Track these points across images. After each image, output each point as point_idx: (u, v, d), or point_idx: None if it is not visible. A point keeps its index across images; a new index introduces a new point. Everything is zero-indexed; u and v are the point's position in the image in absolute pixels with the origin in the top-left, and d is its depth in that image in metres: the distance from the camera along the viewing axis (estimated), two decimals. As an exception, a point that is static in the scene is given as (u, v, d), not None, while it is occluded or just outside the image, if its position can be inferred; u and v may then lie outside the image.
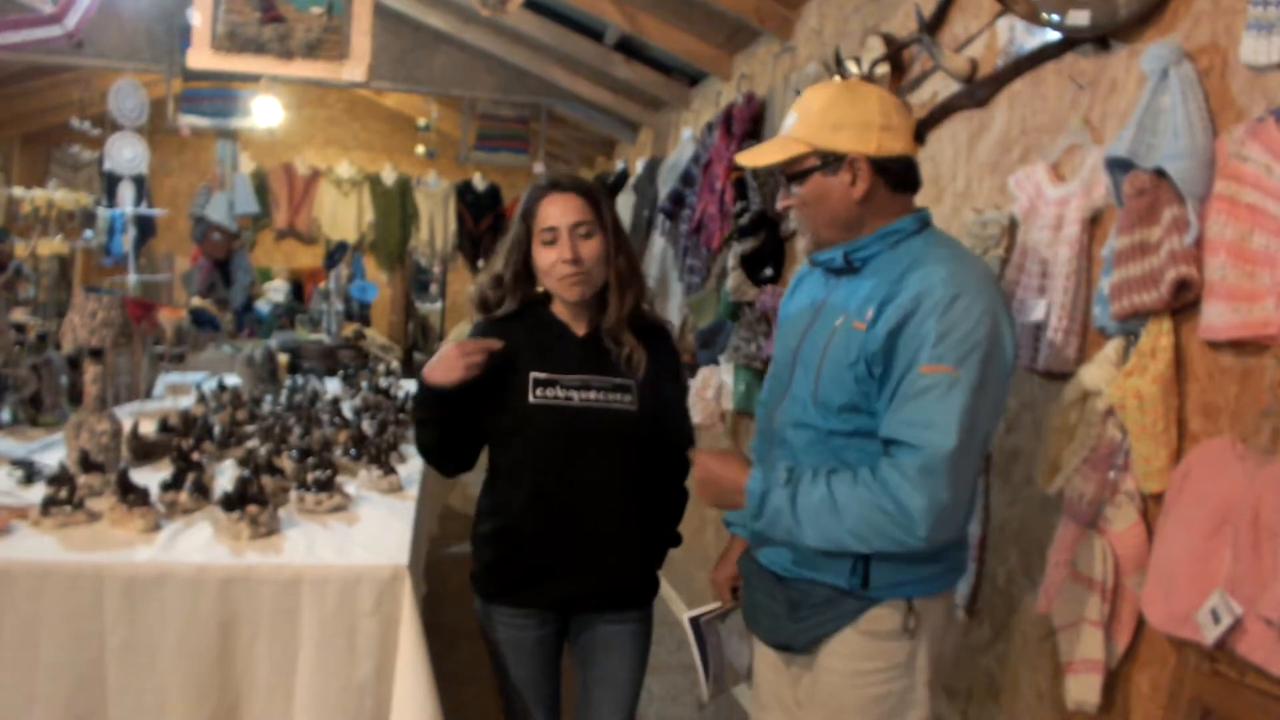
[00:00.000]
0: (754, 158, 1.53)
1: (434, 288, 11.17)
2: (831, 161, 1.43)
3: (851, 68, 2.38)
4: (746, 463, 1.50)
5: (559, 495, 1.72)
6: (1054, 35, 1.78)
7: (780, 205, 1.55)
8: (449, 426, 1.75)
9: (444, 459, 1.81)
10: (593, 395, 1.72)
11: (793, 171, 1.48)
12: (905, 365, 1.35)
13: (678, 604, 3.94)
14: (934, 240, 1.46)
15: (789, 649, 1.57)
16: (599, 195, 1.75)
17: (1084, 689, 1.53)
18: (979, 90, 2.04)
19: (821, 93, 1.49)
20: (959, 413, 1.31)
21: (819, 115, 1.45)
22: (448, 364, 1.66)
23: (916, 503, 1.31)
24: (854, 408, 1.43)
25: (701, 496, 1.55)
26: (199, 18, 4.08)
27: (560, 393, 1.72)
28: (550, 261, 1.70)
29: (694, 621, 1.79)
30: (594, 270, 1.72)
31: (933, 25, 2.18)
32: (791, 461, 1.50)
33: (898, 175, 1.46)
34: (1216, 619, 1.28)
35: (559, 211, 1.70)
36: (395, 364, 4.76)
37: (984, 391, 1.33)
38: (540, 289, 1.78)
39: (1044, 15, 1.72)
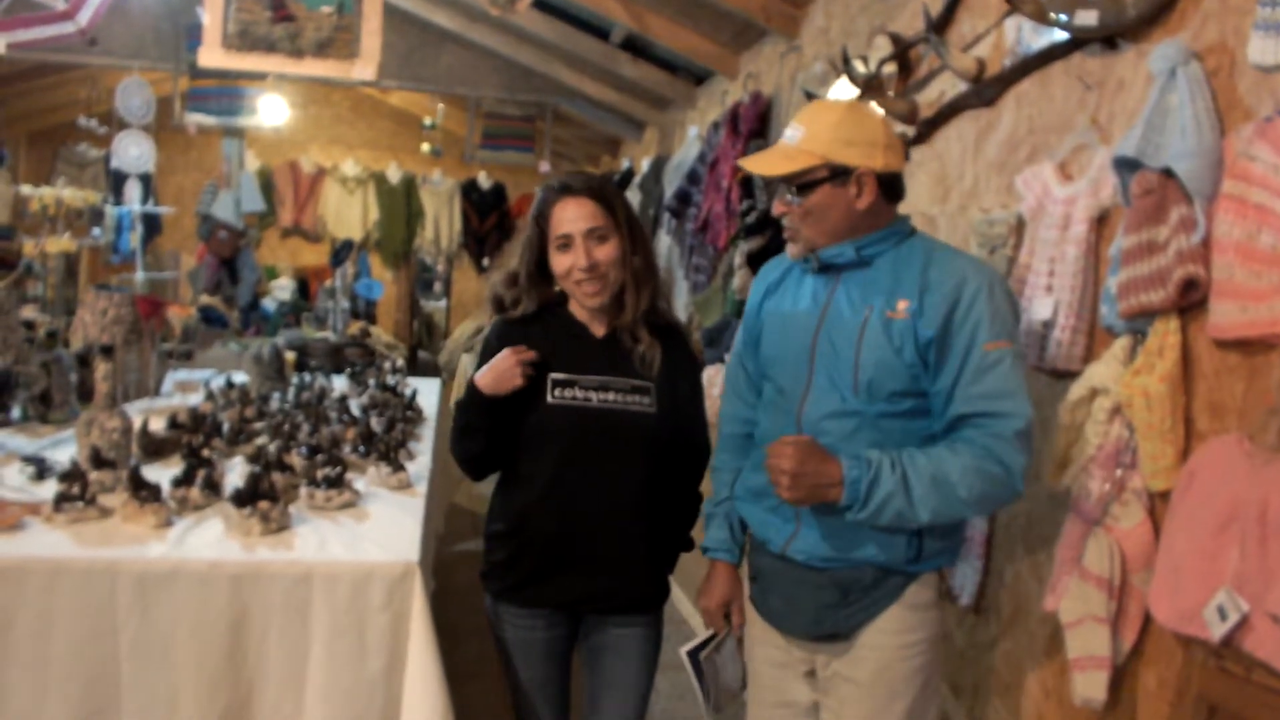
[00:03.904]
0: (763, 166, 1.59)
1: (438, 286, 11.20)
2: (841, 174, 1.52)
3: (859, 67, 2.39)
4: (828, 452, 1.49)
5: (574, 496, 1.72)
6: (1061, 35, 1.78)
7: (776, 211, 1.61)
8: (494, 434, 1.75)
9: (483, 466, 1.81)
10: (612, 396, 1.72)
11: (802, 182, 1.54)
12: (965, 346, 1.47)
13: (686, 605, 3.95)
14: (929, 239, 1.61)
15: (833, 638, 1.59)
16: (612, 196, 1.75)
17: (1091, 685, 1.54)
18: (986, 90, 2.04)
19: (831, 110, 1.58)
20: (1023, 380, 1.47)
21: (830, 131, 1.53)
22: (507, 373, 1.67)
23: (1020, 462, 1.45)
24: (905, 392, 1.51)
25: (790, 492, 1.47)
26: (209, 17, 4.10)
27: (579, 393, 1.72)
28: (565, 267, 1.71)
29: (692, 656, 1.77)
30: (610, 274, 1.72)
31: (940, 25, 2.19)
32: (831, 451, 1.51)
33: (894, 189, 1.57)
34: (1223, 616, 1.29)
35: (572, 217, 1.70)
36: (400, 362, 4.77)
37: (1026, 362, 1.52)
38: (558, 288, 1.79)
39: (1052, 15, 1.73)
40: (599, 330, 1.78)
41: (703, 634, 1.81)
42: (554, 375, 1.73)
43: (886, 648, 1.55)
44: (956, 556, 1.61)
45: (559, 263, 1.72)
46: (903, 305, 1.49)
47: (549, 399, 1.72)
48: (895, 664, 1.55)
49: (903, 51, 2.35)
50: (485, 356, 1.77)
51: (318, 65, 4.12)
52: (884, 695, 1.55)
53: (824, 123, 1.53)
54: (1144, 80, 1.59)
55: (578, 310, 1.79)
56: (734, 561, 1.79)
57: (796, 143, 1.55)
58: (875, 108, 1.59)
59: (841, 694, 1.59)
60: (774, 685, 1.69)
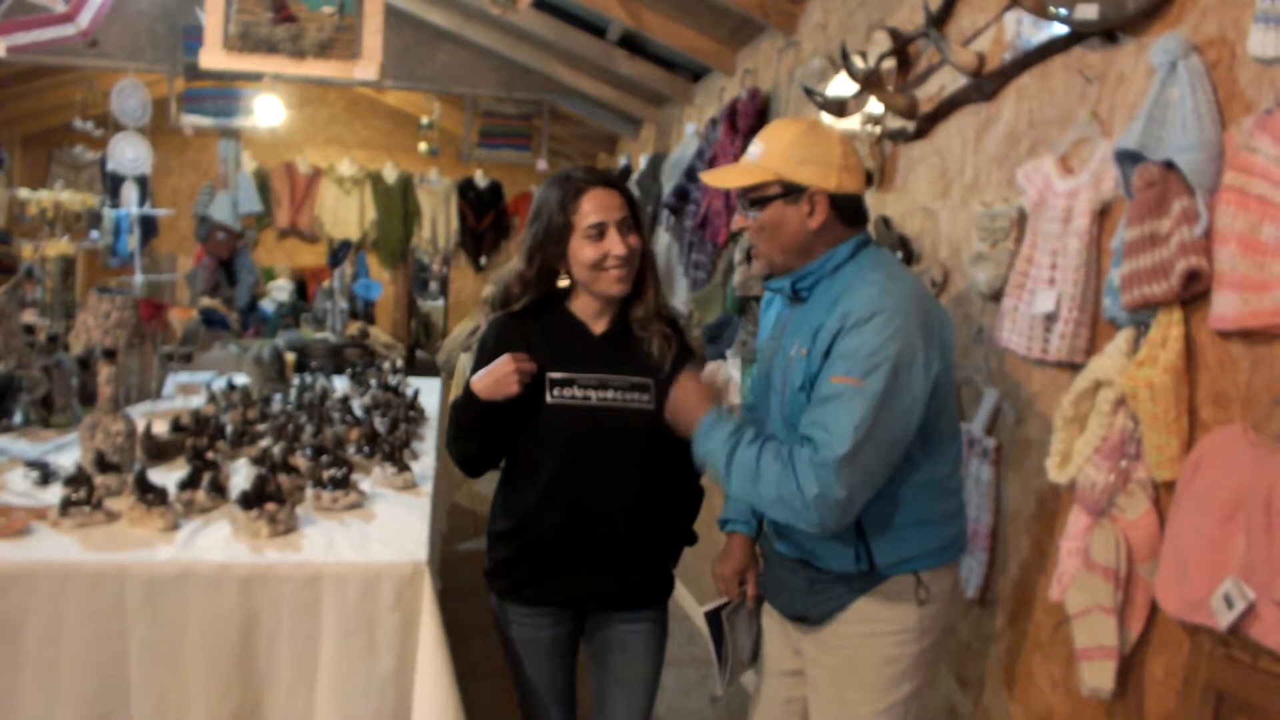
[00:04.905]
0: (720, 179, 1.68)
1: (435, 285, 11.19)
2: (793, 192, 1.56)
3: (858, 63, 2.39)
4: (709, 399, 1.64)
5: (575, 494, 1.73)
6: (1061, 29, 1.79)
7: (735, 226, 1.68)
8: (489, 436, 1.76)
9: (480, 465, 1.83)
10: (611, 394, 1.73)
11: (755, 196, 1.59)
12: (824, 375, 1.49)
13: (689, 600, 3.96)
14: (866, 264, 1.57)
15: (805, 620, 1.67)
16: (630, 191, 1.79)
17: (1098, 675, 1.55)
18: (986, 84, 2.05)
19: (789, 128, 1.61)
20: (856, 420, 1.43)
21: (787, 149, 1.57)
22: (504, 380, 1.67)
23: (810, 490, 1.44)
24: None
25: (667, 411, 1.69)
26: (210, 18, 4.08)
27: (578, 392, 1.72)
28: (596, 256, 1.70)
29: (711, 616, 1.82)
30: (635, 265, 1.75)
31: (939, 19, 2.19)
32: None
33: (850, 211, 1.60)
34: (1230, 604, 1.30)
35: (605, 206, 1.71)
36: (400, 362, 4.77)
37: (888, 402, 1.45)
38: (563, 283, 1.79)
39: (1051, 9, 1.74)
40: (598, 328, 1.79)
41: (719, 599, 1.86)
42: (552, 374, 1.73)
43: (851, 636, 1.60)
44: (932, 563, 1.59)
45: (588, 252, 1.71)
46: (811, 340, 1.54)
47: (548, 398, 1.72)
48: (860, 652, 1.60)
49: (902, 47, 2.36)
50: (482, 355, 1.77)
51: (319, 66, 4.11)
52: (852, 684, 1.61)
53: (782, 141, 1.58)
54: (1144, 73, 1.59)
55: (579, 308, 1.79)
56: (751, 533, 1.85)
57: (756, 159, 1.60)
58: (837, 129, 1.64)
59: (816, 677, 1.67)
60: (775, 655, 1.79)
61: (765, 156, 1.57)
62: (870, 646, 1.59)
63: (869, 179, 2.42)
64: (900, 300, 1.49)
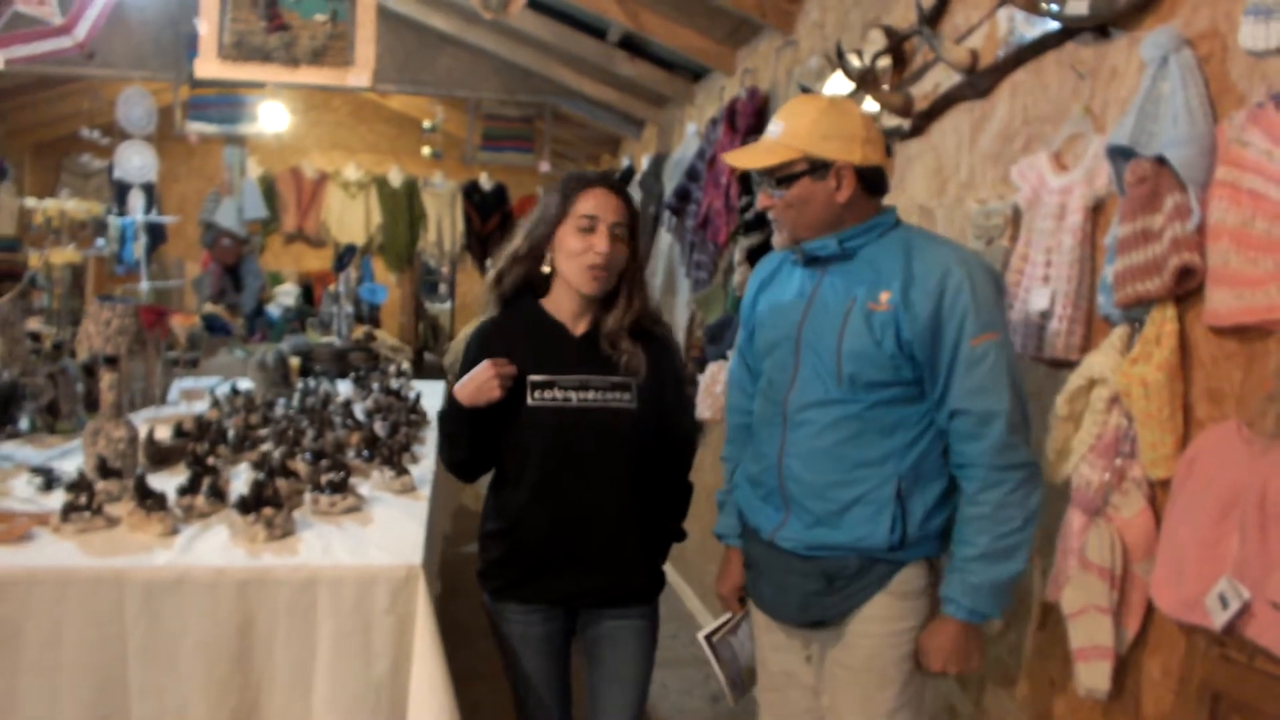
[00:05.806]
0: (745, 160, 1.65)
1: (443, 288, 11.22)
2: (820, 168, 1.56)
3: (853, 61, 2.39)
4: (931, 616, 1.59)
5: (561, 494, 1.75)
6: (1054, 25, 1.78)
7: (760, 205, 1.67)
8: (477, 440, 1.78)
9: (471, 471, 1.85)
10: (591, 395, 1.74)
11: (782, 175, 1.59)
12: (953, 343, 1.51)
13: (690, 598, 3.95)
14: (912, 230, 1.64)
15: (820, 624, 1.64)
16: (632, 202, 1.80)
17: (1094, 676, 1.54)
18: (980, 81, 2.04)
19: (810, 105, 1.62)
20: (1006, 370, 1.51)
21: (809, 125, 1.57)
22: (485, 385, 1.69)
23: (1019, 455, 1.50)
24: (887, 382, 1.55)
25: (965, 667, 1.58)
26: (205, 28, 4.12)
27: (559, 394, 1.74)
28: (581, 248, 1.73)
29: (708, 640, 1.85)
30: (614, 270, 1.76)
31: (933, 17, 2.18)
32: (815, 439, 1.60)
33: (873, 181, 1.60)
34: (1225, 604, 1.29)
35: (603, 205, 1.73)
36: (405, 365, 4.78)
37: (1011, 345, 1.56)
38: (546, 269, 1.80)
39: (1044, 5, 1.73)
40: (578, 329, 1.80)
41: (720, 619, 1.87)
42: (532, 377, 1.75)
43: (875, 635, 1.59)
44: (938, 549, 1.61)
45: (576, 241, 1.73)
46: (884, 296, 1.53)
47: (529, 401, 1.74)
48: (884, 651, 1.59)
49: (896, 45, 2.35)
50: (466, 360, 1.80)
51: (313, 73, 4.15)
52: (874, 682, 1.59)
53: (803, 118, 1.58)
54: (1137, 68, 1.58)
55: (559, 309, 1.81)
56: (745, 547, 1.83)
57: (777, 137, 1.59)
58: (856, 103, 1.64)
59: (835, 678, 1.64)
60: (780, 669, 1.75)
61: (788, 134, 1.58)
62: (893, 645, 1.58)
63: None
64: (975, 257, 1.58)
